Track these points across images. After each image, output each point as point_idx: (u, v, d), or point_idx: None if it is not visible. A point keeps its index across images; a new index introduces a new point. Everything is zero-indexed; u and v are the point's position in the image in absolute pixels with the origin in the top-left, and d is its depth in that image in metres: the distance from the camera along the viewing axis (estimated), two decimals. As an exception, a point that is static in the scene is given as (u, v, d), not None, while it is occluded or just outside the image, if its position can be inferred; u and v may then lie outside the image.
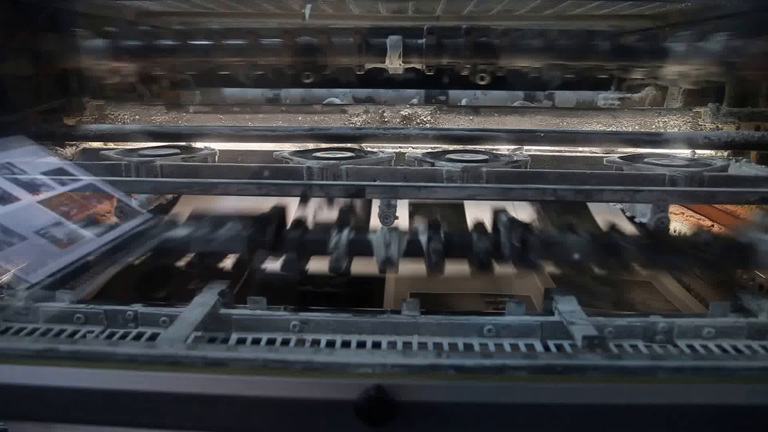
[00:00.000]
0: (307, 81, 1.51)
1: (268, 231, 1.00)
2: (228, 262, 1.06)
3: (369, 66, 1.52)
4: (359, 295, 1.41)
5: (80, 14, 1.43)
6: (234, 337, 0.94)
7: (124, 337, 0.90)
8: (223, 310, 0.95)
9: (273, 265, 1.00)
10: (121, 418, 0.71)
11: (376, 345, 0.92)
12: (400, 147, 1.44)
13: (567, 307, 0.97)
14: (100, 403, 0.70)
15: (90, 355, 0.71)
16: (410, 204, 1.53)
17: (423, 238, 1.00)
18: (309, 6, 1.26)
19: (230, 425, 0.72)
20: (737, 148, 1.37)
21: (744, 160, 1.37)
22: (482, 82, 1.55)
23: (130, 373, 0.71)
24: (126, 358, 0.72)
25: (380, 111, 1.56)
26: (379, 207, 1.09)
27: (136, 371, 0.71)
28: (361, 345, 0.92)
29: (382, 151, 1.32)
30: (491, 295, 1.43)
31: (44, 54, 1.31)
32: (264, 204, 1.07)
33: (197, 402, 0.70)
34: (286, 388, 0.71)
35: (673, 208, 1.76)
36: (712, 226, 1.58)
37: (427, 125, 1.57)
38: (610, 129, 1.56)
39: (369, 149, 1.37)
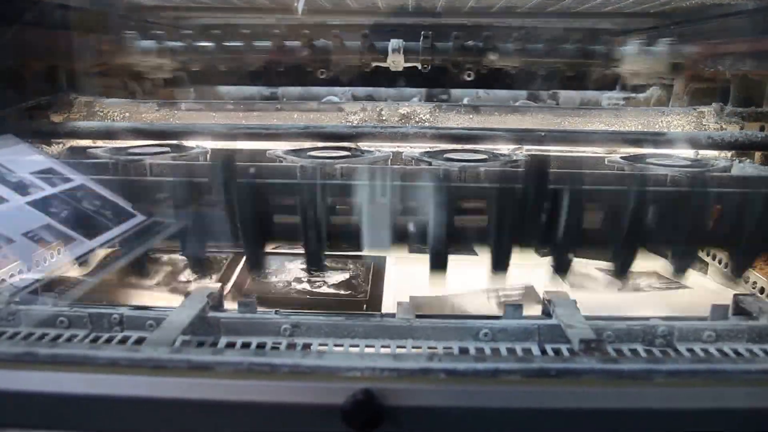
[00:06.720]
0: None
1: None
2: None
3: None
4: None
5: (68, 8, 1.41)
6: (223, 340, 0.92)
7: (109, 341, 0.89)
8: (211, 314, 0.93)
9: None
10: (102, 424, 0.69)
11: (369, 349, 0.91)
12: (397, 146, 1.42)
13: (565, 310, 0.95)
14: (80, 407, 0.68)
15: (70, 358, 0.69)
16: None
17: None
18: (302, 0, 1.24)
19: (215, 430, 0.70)
20: (741, 148, 1.34)
21: (747, 160, 1.35)
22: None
23: (112, 377, 0.69)
24: (108, 362, 0.69)
25: (378, 109, 1.54)
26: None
27: (118, 375, 0.69)
28: (354, 349, 0.91)
29: (379, 150, 1.30)
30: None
31: (31, 49, 1.30)
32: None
33: (181, 406, 0.69)
34: (273, 393, 0.69)
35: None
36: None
37: (426, 124, 1.54)
38: (613, 129, 1.53)
39: (366, 148, 1.35)
